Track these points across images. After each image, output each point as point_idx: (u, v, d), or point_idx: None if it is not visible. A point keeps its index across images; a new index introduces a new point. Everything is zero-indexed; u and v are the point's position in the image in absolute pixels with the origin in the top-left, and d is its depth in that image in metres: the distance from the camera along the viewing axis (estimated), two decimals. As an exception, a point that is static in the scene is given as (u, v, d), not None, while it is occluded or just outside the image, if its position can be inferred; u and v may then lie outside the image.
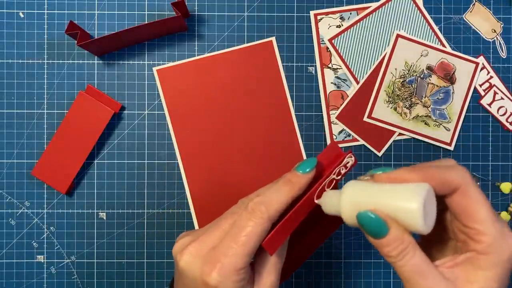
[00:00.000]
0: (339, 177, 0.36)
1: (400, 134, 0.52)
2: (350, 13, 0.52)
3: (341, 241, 0.53)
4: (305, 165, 0.35)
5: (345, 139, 0.52)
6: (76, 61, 0.52)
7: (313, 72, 0.52)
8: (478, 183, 0.36)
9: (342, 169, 0.36)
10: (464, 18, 0.53)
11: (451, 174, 0.31)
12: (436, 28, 0.52)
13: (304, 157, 0.52)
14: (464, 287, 0.30)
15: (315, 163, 0.35)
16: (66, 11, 0.52)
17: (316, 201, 0.34)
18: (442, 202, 0.32)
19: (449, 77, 0.52)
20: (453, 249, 0.33)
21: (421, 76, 0.52)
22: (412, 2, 0.52)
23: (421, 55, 0.52)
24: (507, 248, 0.30)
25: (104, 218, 0.52)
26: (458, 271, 0.31)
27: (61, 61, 0.52)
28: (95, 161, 0.52)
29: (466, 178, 0.31)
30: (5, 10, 0.51)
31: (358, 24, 0.52)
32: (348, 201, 0.32)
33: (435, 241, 0.34)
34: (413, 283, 0.30)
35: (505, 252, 0.30)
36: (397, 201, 0.30)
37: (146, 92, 0.52)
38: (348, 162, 0.36)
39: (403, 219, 0.29)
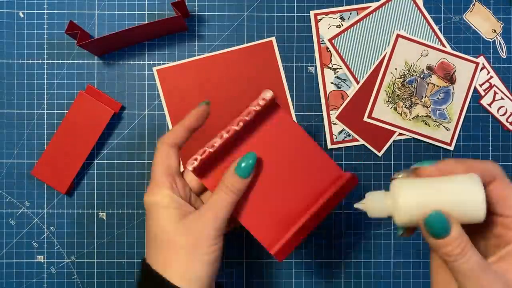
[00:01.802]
0: (257, 107, 0.39)
1: (400, 134, 0.52)
2: (350, 13, 0.52)
3: (341, 241, 0.53)
4: (245, 168, 0.38)
5: (345, 139, 0.53)
6: (76, 61, 0.52)
7: (313, 72, 0.52)
8: None
9: (261, 101, 0.39)
10: (464, 18, 0.53)
11: (489, 165, 0.32)
12: (436, 28, 0.52)
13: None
14: None
15: (254, 163, 0.39)
16: (66, 11, 0.52)
17: (356, 205, 0.34)
18: None
19: (449, 77, 0.52)
20: (492, 245, 0.33)
21: (421, 76, 0.52)
22: (412, 2, 0.52)
23: (421, 55, 0.52)
24: None
25: (104, 218, 0.52)
26: (504, 265, 0.31)
27: (61, 61, 0.52)
28: (95, 161, 0.52)
29: (500, 169, 0.32)
30: (5, 10, 0.51)
31: (358, 24, 0.52)
32: (407, 203, 0.31)
33: (477, 237, 0.35)
34: (474, 280, 0.30)
35: None
36: (460, 195, 0.30)
37: (146, 92, 0.52)
38: (266, 95, 0.39)
39: (466, 212, 0.30)
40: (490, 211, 0.32)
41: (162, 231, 0.37)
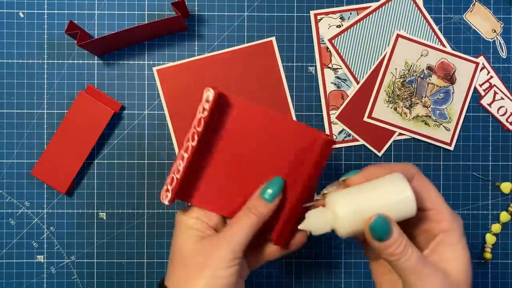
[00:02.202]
0: (205, 113, 0.37)
1: (400, 134, 0.52)
2: (350, 13, 0.52)
3: (341, 241, 0.53)
4: (272, 194, 0.38)
5: (345, 139, 0.53)
6: (76, 61, 0.52)
7: (313, 72, 0.52)
8: None
9: (206, 104, 0.37)
10: (464, 18, 0.53)
11: (407, 165, 0.34)
12: (436, 28, 0.52)
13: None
14: (449, 266, 0.32)
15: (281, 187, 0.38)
16: (66, 11, 0.52)
17: (299, 227, 0.35)
18: None
19: (449, 77, 0.52)
20: (423, 241, 0.35)
21: (421, 76, 0.52)
22: (412, 2, 0.52)
23: (421, 55, 0.52)
24: (460, 224, 0.33)
25: (104, 218, 0.52)
26: (437, 256, 0.33)
27: (61, 61, 0.52)
28: (95, 161, 0.52)
29: (416, 167, 0.34)
30: (5, 10, 0.51)
31: (358, 24, 0.52)
32: (346, 213, 0.32)
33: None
34: (418, 274, 0.31)
35: (459, 225, 0.34)
36: (391, 196, 0.31)
37: (146, 92, 0.52)
38: (208, 96, 0.37)
39: (399, 210, 0.31)
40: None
41: (179, 248, 0.37)
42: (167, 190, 0.37)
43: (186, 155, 0.37)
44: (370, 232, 0.32)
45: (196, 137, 0.37)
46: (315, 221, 0.34)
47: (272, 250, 0.40)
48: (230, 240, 0.36)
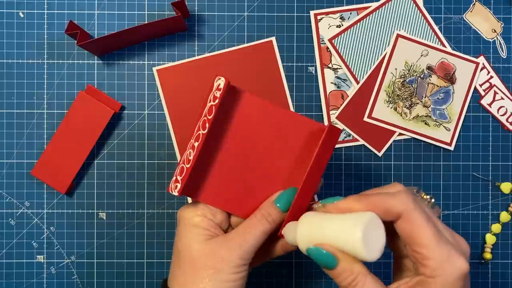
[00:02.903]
0: (216, 101, 0.36)
1: (400, 134, 0.52)
2: (350, 13, 0.52)
3: (341, 241, 0.53)
4: (288, 203, 0.38)
5: (345, 139, 0.53)
6: (76, 61, 0.52)
7: (313, 72, 0.52)
8: (432, 201, 0.37)
9: (217, 93, 0.36)
10: (464, 18, 0.53)
11: (392, 202, 0.31)
12: (436, 28, 0.52)
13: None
14: None
15: (291, 197, 0.37)
16: (66, 11, 0.52)
17: (281, 233, 0.37)
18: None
19: (449, 77, 0.52)
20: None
21: (421, 76, 0.52)
22: (412, 2, 0.52)
23: (421, 55, 0.52)
24: (452, 271, 0.30)
25: (104, 218, 0.52)
26: None
27: (61, 61, 0.52)
28: (95, 161, 0.52)
29: (408, 204, 0.31)
30: (5, 10, 0.51)
31: (358, 24, 0.52)
32: (302, 234, 0.34)
33: (406, 257, 0.35)
34: None
35: (451, 274, 0.30)
36: (342, 232, 0.31)
37: (146, 92, 0.52)
38: (220, 84, 0.36)
39: (349, 249, 0.31)
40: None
41: (186, 249, 0.36)
42: (177, 181, 0.36)
43: (197, 144, 0.36)
44: (309, 255, 0.33)
45: (207, 125, 0.36)
46: (288, 232, 0.36)
47: (279, 247, 0.40)
48: (243, 246, 0.36)
